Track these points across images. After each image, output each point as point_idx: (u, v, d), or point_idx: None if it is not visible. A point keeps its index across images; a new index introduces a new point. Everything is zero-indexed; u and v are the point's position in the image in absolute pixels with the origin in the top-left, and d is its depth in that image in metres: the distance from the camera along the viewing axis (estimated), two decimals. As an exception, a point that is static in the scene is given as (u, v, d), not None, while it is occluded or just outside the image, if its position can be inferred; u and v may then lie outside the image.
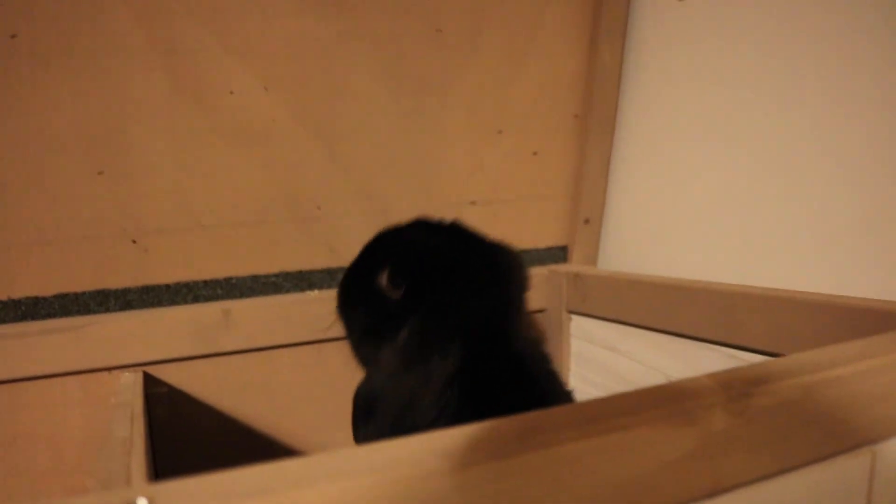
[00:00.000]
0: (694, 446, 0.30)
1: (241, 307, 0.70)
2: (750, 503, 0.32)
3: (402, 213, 0.78)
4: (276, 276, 0.75)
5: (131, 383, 0.60)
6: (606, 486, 0.29)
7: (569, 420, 0.29)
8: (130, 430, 0.40)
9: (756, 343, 0.57)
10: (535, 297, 0.83)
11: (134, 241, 0.69)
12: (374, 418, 0.53)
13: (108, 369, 0.66)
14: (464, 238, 0.61)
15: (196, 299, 0.72)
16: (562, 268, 0.83)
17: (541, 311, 0.84)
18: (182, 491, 0.24)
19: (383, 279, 0.57)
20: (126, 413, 0.46)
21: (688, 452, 0.30)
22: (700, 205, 0.76)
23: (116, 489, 0.23)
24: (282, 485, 0.23)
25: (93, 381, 0.65)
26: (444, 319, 0.55)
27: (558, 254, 0.88)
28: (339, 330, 0.68)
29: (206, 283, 0.72)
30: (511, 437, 0.28)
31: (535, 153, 0.83)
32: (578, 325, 0.80)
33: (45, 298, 0.67)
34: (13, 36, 0.62)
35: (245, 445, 0.73)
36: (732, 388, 0.32)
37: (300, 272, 0.76)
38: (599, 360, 0.76)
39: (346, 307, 0.62)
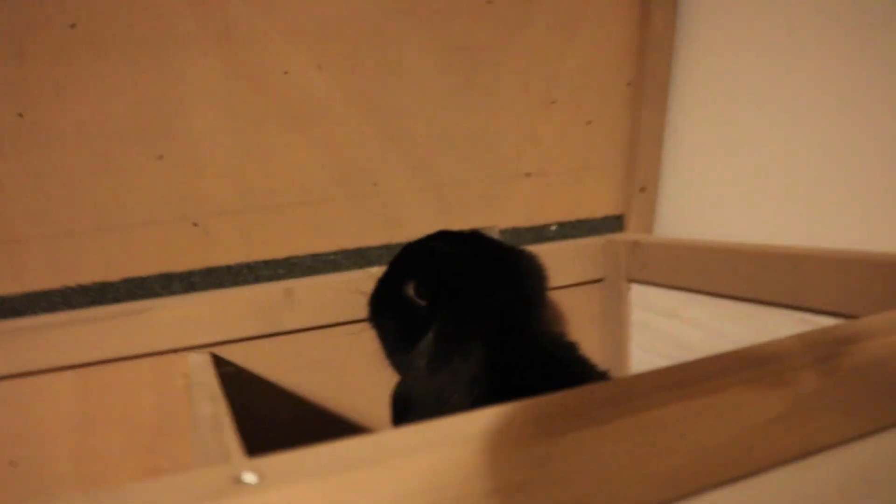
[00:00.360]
0: (785, 408, 0.30)
1: (302, 286, 0.71)
2: (842, 465, 0.32)
3: (457, 186, 0.78)
4: (335, 254, 0.75)
5: (201, 363, 0.61)
6: (699, 451, 0.28)
7: (658, 384, 0.29)
8: (214, 408, 0.41)
9: (827, 305, 0.56)
10: (593, 267, 0.83)
11: (195, 224, 0.70)
12: (409, 418, 0.57)
13: (176, 351, 0.67)
14: (482, 245, 0.65)
15: (258, 279, 0.73)
16: (619, 237, 0.83)
17: (598, 280, 0.84)
18: (287, 464, 0.24)
19: (410, 289, 0.61)
20: (205, 392, 0.47)
21: (779, 414, 0.30)
22: (758, 169, 0.75)
23: (220, 465, 0.23)
24: (384, 455, 0.24)
25: (162, 363, 0.67)
26: (463, 322, 0.58)
27: (614, 223, 0.87)
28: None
29: (266, 263, 0.73)
30: (604, 402, 0.28)
31: (588, 122, 0.83)
32: (639, 293, 0.79)
33: (111, 283, 0.68)
34: (72, 25, 0.62)
35: (310, 421, 0.73)
36: (821, 348, 0.31)
37: (358, 249, 0.76)
38: (662, 328, 0.76)
39: (379, 318, 0.66)
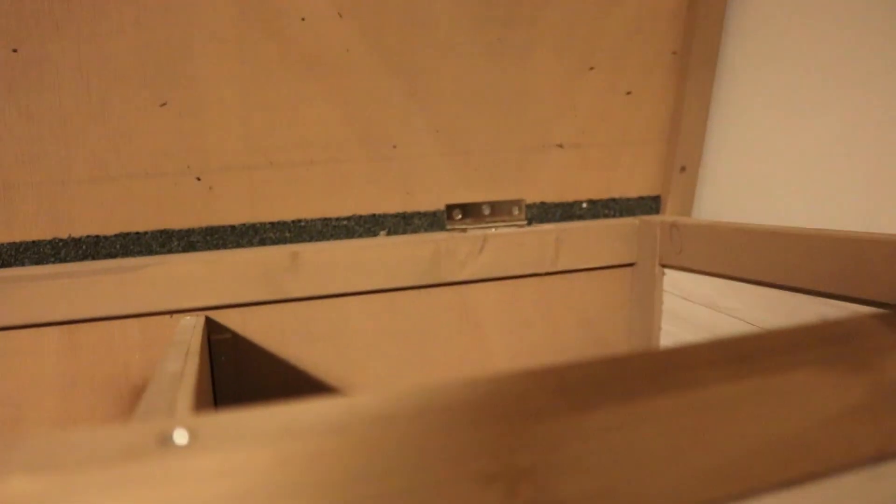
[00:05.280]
0: (864, 398, 0.24)
1: (310, 251, 0.66)
2: (928, 472, 0.26)
3: (482, 154, 0.72)
4: (348, 219, 0.70)
5: (191, 326, 0.56)
6: (754, 442, 0.23)
7: (712, 358, 0.23)
8: (183, 366, 0.36)
9: (889, 296, 0.50)
10: (625, 250, 0.77)
11: (198, 179, 0.65)
12: None
13: (170, 313, 0.62)
14: None
15: (263, 242, 0.68)
16: (656, 218, 0.77)
17: (630, 264, 0.78)
18: (228, 425, 0.19)
19: None
20: (181, 350, 0.41)
21: (856, 405, 0.24)
22: (811, 151, 0.69)
23: (154, 419, 0.18)
24: (353, 422, 0.18)
25: (153, 325, 0.62)
26: None
27: (650, 204, 0.81)
28: (410, 277, 0.64)
29: (273, 224, 0.68)
30: (644, 374, 0.22)
31: (628, 93, 0.77)
32: (673, 280, 0.73)
33: (106, 237, 0.64)
34: (72, -47, 0.57)
35: (310, 395, 0.68)
36: (908, 329, 0.26)
37: (373, 216, 0.71)
38: (696, 318, 0.70)
39: None
